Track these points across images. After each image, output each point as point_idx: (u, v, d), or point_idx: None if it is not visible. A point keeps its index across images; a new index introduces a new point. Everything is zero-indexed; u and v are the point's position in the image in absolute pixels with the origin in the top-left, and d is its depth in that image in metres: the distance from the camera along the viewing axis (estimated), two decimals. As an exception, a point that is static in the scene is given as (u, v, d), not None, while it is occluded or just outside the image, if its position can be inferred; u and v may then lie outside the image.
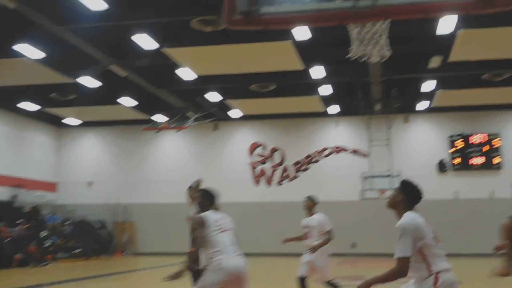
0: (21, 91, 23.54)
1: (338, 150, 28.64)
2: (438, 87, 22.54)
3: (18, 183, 27.54)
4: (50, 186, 30.68)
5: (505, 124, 27.50)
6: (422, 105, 26.09)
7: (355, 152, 28.30)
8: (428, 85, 22.23)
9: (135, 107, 25.76)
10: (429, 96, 24.27)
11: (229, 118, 28.51)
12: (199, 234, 5.88)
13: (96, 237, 27.93)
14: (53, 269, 20.93)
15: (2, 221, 23.15)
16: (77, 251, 26.04)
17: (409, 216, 4.75)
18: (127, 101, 24.52)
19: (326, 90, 22.71)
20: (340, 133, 28.91)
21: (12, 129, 27.97)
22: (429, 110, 26.96)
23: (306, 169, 28.93)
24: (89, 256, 25.99)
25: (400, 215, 4.90)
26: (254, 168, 29.41)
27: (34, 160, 29.45)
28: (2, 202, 26.40)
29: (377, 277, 4.68)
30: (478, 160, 27.11)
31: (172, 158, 30.26)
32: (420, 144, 28.00)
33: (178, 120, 27.33)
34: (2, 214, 24.14)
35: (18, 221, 24.13)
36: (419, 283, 4.63)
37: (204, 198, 6.49)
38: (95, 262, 24.63)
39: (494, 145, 27.08)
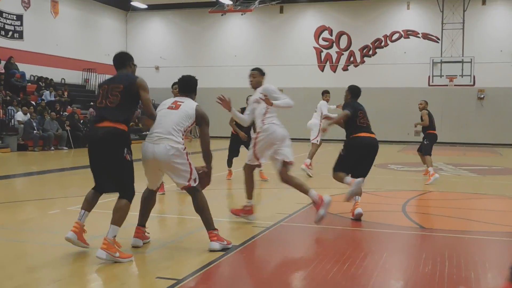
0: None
1: (408, 34, 27.49)
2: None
3: (89, 67, 28.40)
4: (120, 70, 31.47)
5: None
6: (503, -14, 24.30)
7: (425, 36, 27.11)
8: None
9: (200, -11, 25.39)
10: (511, -25, 22.53)
11: (295, 1, 27.69)
12: None
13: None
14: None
15: (76, 104, 24.16)
16: (145, 133, 27.03)
17: None
18: (191, -17, 24.13)
19: (397, -31, 21.43)
20: (410, 15, 27.59)
21: (83, 13, 28.40)
22: (510, -9, 25.14)
23: (373, 54, 28.14)
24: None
25: None
26: (319, 52, 28.87)
27: (104, 44, 30.03)
28: (75, 85, 27.47)
29: None
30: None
31: (237, 41, 30.04)
32: (497, 29, 26.37)
33: (243, 2, 26.78)
34: (75, 97, 25.17)
35: (90, 104, 25.15)
36: None
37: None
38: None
39: None
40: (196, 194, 5.34)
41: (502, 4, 26.48)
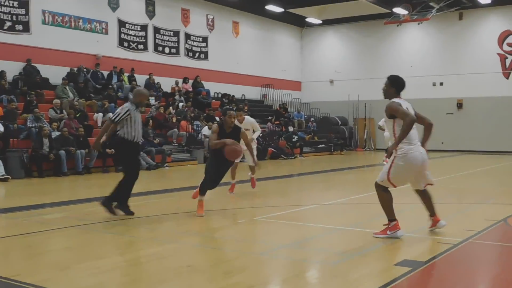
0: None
1: None
2: None
3: (267, 82, 29.66)
4: (295, 85, 32.39)
5: None
6: None
7: None
8: None
9: (374, 1, 25.22)
10: None
11: (476, 5, 26.20)
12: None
13: (338, 133, 29.03)
14: (301, 162, 22.52)
15: (255, 118, 25.29)
16: (321, 146, 27.48)
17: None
18: (366, -4, 24.10)
19: None
20: None
21: (261, 32, 29.83)
22: None
23: None
24: (332, 151, 27.25)
25: None
26: (504, 59, 26.94)
27: (280, 60, 31.21)
28: (254, 100, 28.86)
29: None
30: None
31: (414, 52, 29.24)
32: None
33: (420, 11, 26.06)
34: (254, 112, 26.42)
35: (268, 118, 26.22)
36: None
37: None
38: (337, 157, 25.77)
39: None
40: None
41: None
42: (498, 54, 27.03)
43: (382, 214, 6.57)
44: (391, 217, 6.43)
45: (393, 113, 6.29)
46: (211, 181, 8.09)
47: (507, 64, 26.85)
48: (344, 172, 17.43)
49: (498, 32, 26.99)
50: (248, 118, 10.68)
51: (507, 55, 26.85)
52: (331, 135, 28.34)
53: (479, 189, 12.56)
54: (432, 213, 6.75)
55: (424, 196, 6.74)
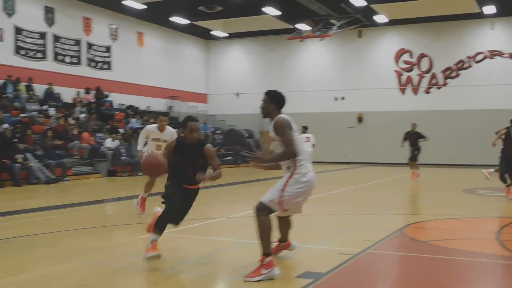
0: (172, 5, 24.45)
1: (493, 54, 26.57)
2: None
3: (173, 94, 29.41)
4: (201, 97, 32.35)
5: None
6: None
7: (512, 56, 26.13)
8: None
9: (279, 17, 25.77)
10: None
11: (374, 24, 27.50)
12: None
13: (245, 146, 29.25)
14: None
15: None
16: (227, 158, 27.56)
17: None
18: (271, 11, 24.58)
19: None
20: (495, 36, 26.69)
21: (167, 43, 29.56)
22: None
23: (456, 76, 27.38)
24: (238, 164, 27.40)
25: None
26: (400, 75, 28.43)
27: (186, 72, 31.08)
28: (160, 112, 28.46)
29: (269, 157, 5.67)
30: None
31: (317, 67, 30.17)
32: None
33: (322, 27, 26.94)
34: (160, 123, 26.07)
35: (176, 130, 25.91)
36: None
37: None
38: (244, 169, 25.94)
39: None
40: None
41: None
42: (395, 70, 28.48)
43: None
44: (268, 251, 5.29)
45: (278, 132, 5.48)
46: (174, 214, 6.11)
47: (403, 80, 28.34)
48: (251, 184, 17.56)
49: (395, 50, 28.47)
50: (170, 128, 10.06)
51: (403, 72, 28.35)
52: (238, 148, 28.50)
53: (379, 200, 13.08)
54: (285, 239, 6.17)
55: (285, 222, 6.07)
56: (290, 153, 5.37)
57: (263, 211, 5.33)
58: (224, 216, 10.08)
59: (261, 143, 30.69)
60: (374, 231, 8.00)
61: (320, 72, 29.94)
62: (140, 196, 9.71)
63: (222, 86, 32.54)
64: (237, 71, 32.17)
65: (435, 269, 6.01)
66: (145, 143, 10.11)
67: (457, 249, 6.77)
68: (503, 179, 12.50)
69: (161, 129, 9.79)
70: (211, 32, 30.05)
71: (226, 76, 32.43)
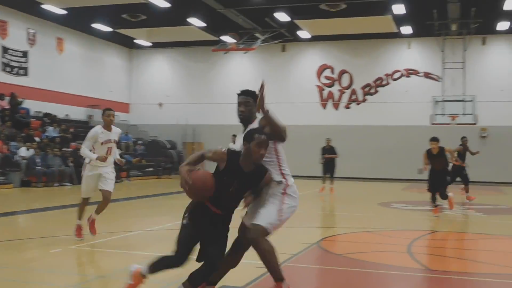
0: (94, 11, 23.85)
1: (409, 73, 27.74)
2: (522, 5, 21.07)
3: (93, 103, 28.61)
4: (123, 107, 31.68)
5: None
6: (503, 26, 24.55)
7: (426, 75, 27.34)
8: (510, 3, 20.77)
9: (204, 28, 25.74)
10: (510, 15, 22.78)
11: (297, 39, 28.02)
12: None
13: (167, 157, 28.90)
14: (127, 186, 21.95)
15: (80, 140, 24.23)
16: (149, 169, 27.11)
17: None
18: (196, 22, 24.52)
19: (399, 9, 21.72)
20: (412, 55, 27.89)
21: (87, 51, 28.77)
22: (509, 31, 25.39)
23: (375, 93, 28.34)
24: (160, 175, 27.01)
25: None
26: (321, 90, 29.09)
27: (107, 81, 30.35)
28: (79, 121, 27.63)
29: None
30: (561, 85, 25.57)
31: (241, 80, 30.26)
32: (497, 68, 26.59)
33: (246, 41, 27.15)
34: (79, 133, 25.26)
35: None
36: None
37: None
38: (165, 181, 25.61)
39: None
40: None
41: (501, 44, 26.77)
42: (317, 85, 29.10)
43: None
44: (281, 276, 4.78)
45: (271, 122, 4.84)
46: (215, 268, 4.66)
47: (324, 95, 29.00)
48: (172, 196, 17.33)
49: (317, 66, 29.11)
50: (116, 128, 8.47)
51: (324, 87, 29.01)
52: (160, 159, 28.12)
53: (296, 213, 13.19)
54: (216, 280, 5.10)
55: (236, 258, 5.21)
56: (284, 133, 4.75)
57: (263, 235, 4.64)
58: (142, 229, 9.85)
59: (184, 154, 30.41)
60: (291, 244, 8.05)
61: (244, 85, 29.55)
62: (76, 225, 8.23)
63: (145, 96, 32.05)
64: (161, 81, 31.80)
65: (350, 282, 6.12)
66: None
67: (371, 262, 6.93)
68: (435, 198, 12.17)
69: (109, 126, 8.25)
70: (135, 41, 29.57)
71: (149, 86, 31.97)
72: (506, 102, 25.85)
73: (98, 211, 8.19)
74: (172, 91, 31.39)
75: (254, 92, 5.06)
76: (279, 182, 4.77)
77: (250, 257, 6.90)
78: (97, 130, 8.22)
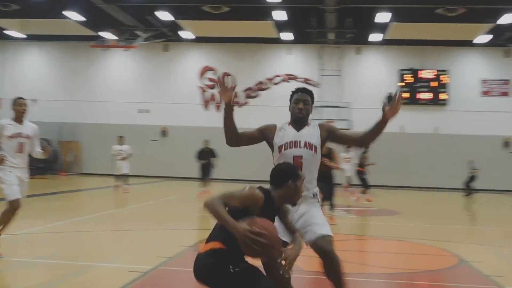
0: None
1: (289, 78, 28.55)
2: (392, 19, 22.44)
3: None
4: (-7, 102, 29.65)
5: (454, 61, 27.88)
6: (375, 37, 26.05)
7: (306, 81, 28.28)
8: (382, 17, 22.08)
9: (82, 23, 24.72)
10: (382, 28, 24.21)
11: (180, 40, 27.81)
12: None
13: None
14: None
15: None
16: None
17: None
18: (73, 16, 23.46)
19: (280, 15, 22.28)
20: (292, 61, 28.74)
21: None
22: (381, 43, 26.98)
23: (256, 96, 28.84)
24: (33, 175, 25.53)
25: None
26: (203, 92, 29.11)
27: (-26, 73, 28.22)
28: None
29: None
30: (426, 96, 27.57)
31: (120, 78, 29.53)
32: (370, 76, 28.14)
33: (127, 38, 26.49)
34: None
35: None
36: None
37: None
38: (39, 181, 24.26)
39: (442, 81, 27.53)
40: None
41: (374, 54, 28.37)
42: (200, 87, 29.06)
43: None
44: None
45: (335, 130, 4.63)
46: None
47: (207, 97, 29.04)
48: (42, 198, 16.43)
49: (200, 67, 29.07)
50: (31, 124, 7.62)
51: (207, 89, 29.04)
52: (33, 158, 26.59)
53: (176, 215, 13.09)
54: None
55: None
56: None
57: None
58: (11, 233, 9.21)
59: (59, 153, 29.03)
60: (168, 247, 7.94)
61: (124, 83, 29.34)
62: None
63: (18, 91, 29.77)
64: (36, 76, 30.09)
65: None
66: None
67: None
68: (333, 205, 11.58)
69: (20, 119, 7.28)
70: (6, 32, 27.75)
71: (22, 80, 30.10)
72: (378, 109, 27.39)
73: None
74: (48, 87, 29.80)
75: (311, 91, 4.71)
76: (314, 195, 4.49)
77: (125, 261, 6.70)
78: (4, 121, 7.26)
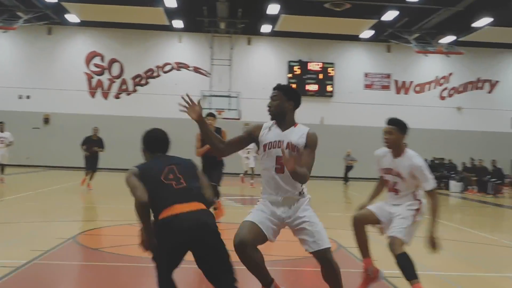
0: None
1: (180, 66, 28.24)
2: (282, 11, 22.81)
3: None
4: None
5: (340, 54, 28.97)
6: (266, 28, 26.39)
7: (196, 70, 28.14)
8: (272, 8, 22.38)
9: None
10: (273, 19, 24.57)
11: (65, 23, 26.53)
12: None
13: None
14: None
15: None
16: None
17: None
18: None
19: (171, 2, 21.88)
20: (182, 49, 28.42)
21: None
22: (272, 34, 27.39)
23: (146, 84, 28.26)
24: None
25: None
26: (90, 78, 28.04)
27: None
28: None
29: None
30: (313, 87, 28.43)
31: (0, 61, 27.73)
32: (260, 67, 28.48)
33: (6, 19, 24.85)
34: None
35: None
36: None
37: None
38: None
39: (329, 73, 28.51)
40: None
41: (264, 45, 28.76)
42: (86, 73, 27.94)
43: None
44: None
45: (312, 146, 4.52)
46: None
47: (93, 83, 27.99)
48: None
49: (86, 52, 27.94)
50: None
51: (94, 75, 27.99)
52: None
53: (57, 206, 12.47)
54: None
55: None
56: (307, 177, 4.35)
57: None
58: None
59: None
60: (45, 240, 7.53)
61: (3, 68, 27.56)
62: None
63: None
64: None
65: (101, 277, 5.90)
66: None
67: (126, 255, 6.78)
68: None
69: None
70: None
71: None
72: (267, 100, 27.83)
73: None
74: None
75: (285, 86, 4.79)
76: (301, 193, 4.68)
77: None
78: None
